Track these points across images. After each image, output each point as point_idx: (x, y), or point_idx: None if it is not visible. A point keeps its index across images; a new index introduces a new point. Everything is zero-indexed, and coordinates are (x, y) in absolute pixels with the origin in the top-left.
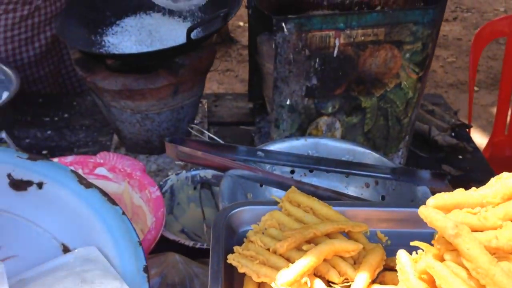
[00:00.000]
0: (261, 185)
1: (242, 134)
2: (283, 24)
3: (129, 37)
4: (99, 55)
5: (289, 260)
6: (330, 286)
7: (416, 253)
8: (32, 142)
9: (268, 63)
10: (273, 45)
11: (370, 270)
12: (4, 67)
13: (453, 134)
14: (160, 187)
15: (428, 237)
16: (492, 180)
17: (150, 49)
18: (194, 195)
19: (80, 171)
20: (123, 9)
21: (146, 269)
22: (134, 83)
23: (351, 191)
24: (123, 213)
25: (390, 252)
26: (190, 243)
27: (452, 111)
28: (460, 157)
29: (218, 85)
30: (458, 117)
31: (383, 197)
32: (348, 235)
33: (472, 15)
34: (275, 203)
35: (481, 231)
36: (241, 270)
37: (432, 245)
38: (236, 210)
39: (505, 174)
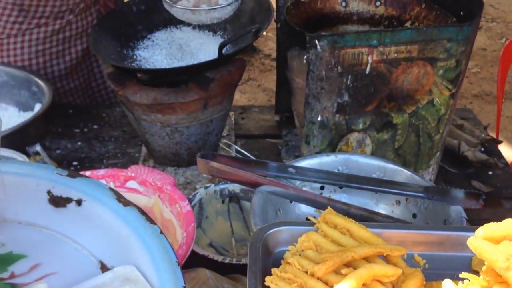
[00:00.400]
0: (290, 201)
1: (269, 147)
2: (316, 41)
3: (159, 50)
4: (132, 70)
5: (327, 284)
6: None
7: (462, 282)
8: (63, 153)
9: (298, 78)
10: (305, 61)
11: None
12: (37, 79)
13: (482, 149)
14: (189, 201)
15: (466, 260)
16: None
17: (181, 62)
18: (222, 209)
19: (111, 184)
20: (154, 23)
21: None
22: (165, 97)
23: (382, 208)
24: (161, 232)
25: (428, 276)
26: (219, 258)
27: (482, 126)
28: (490, 173)
29: (240, 95)
30: (487, 132)
31: (414, 215)
32: (386, 259)
33: (497, 25)
34: (311, 223)
35: None
36: None
37: (474, 271)
38: (272, 230)
39: None
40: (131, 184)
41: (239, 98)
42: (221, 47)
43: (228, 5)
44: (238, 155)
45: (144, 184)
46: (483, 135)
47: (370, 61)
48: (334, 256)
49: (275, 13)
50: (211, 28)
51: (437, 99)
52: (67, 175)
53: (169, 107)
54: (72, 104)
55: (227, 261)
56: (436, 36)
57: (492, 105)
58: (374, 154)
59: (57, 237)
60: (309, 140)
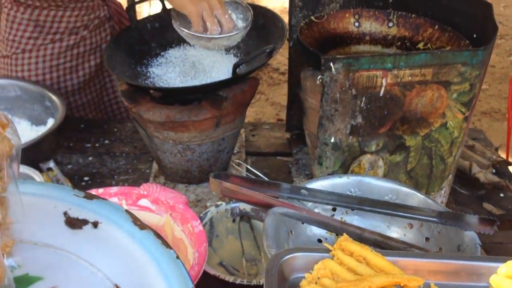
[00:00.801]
0: (302, 222)
1: (279, 165)
2: (331, 64)
3: (173, 68)
4: (146, 88)
5: None
6: None
7: None
8: (74, 168)
9: (311, 98)
10: (319, 82)
11: None
12: (50, 94)
13: (494, 171)
14: (200, 219)
15: None
16: None
17: (194, 80)
18: (233, 228)
19: (123, 202)
20: (167, 40)
21: None
22: (178, 115)
23: (394, 231)
24: (177, 257)
25: None
26: (230, 279)
27: (493, 147)
28: (502, 195)
29: (248, 109)
30: (498, 153)
31: (427, 239)
32: None
33: (506, 42)
34: (327, 250)
35: None
36: None
37: None
38: (287, 256)
39: None
40: (143, 202)
41: (247, 112)
42: (235, 67)
43: (238, 33)
44: (249, 174)
45: (156, 202)
46: (494, 157)
47: (384, 84)
48: (351, 285)
49: (287, 32)
50: None
51: (451, 122)
52: (84, 197)
53: (181, 125)
54: (84, 119)
55: (238, 281)
56: (450, 60)
57: (500, 122)
58: (386, 176)
59: (73, 259)
60: (322, 161)
